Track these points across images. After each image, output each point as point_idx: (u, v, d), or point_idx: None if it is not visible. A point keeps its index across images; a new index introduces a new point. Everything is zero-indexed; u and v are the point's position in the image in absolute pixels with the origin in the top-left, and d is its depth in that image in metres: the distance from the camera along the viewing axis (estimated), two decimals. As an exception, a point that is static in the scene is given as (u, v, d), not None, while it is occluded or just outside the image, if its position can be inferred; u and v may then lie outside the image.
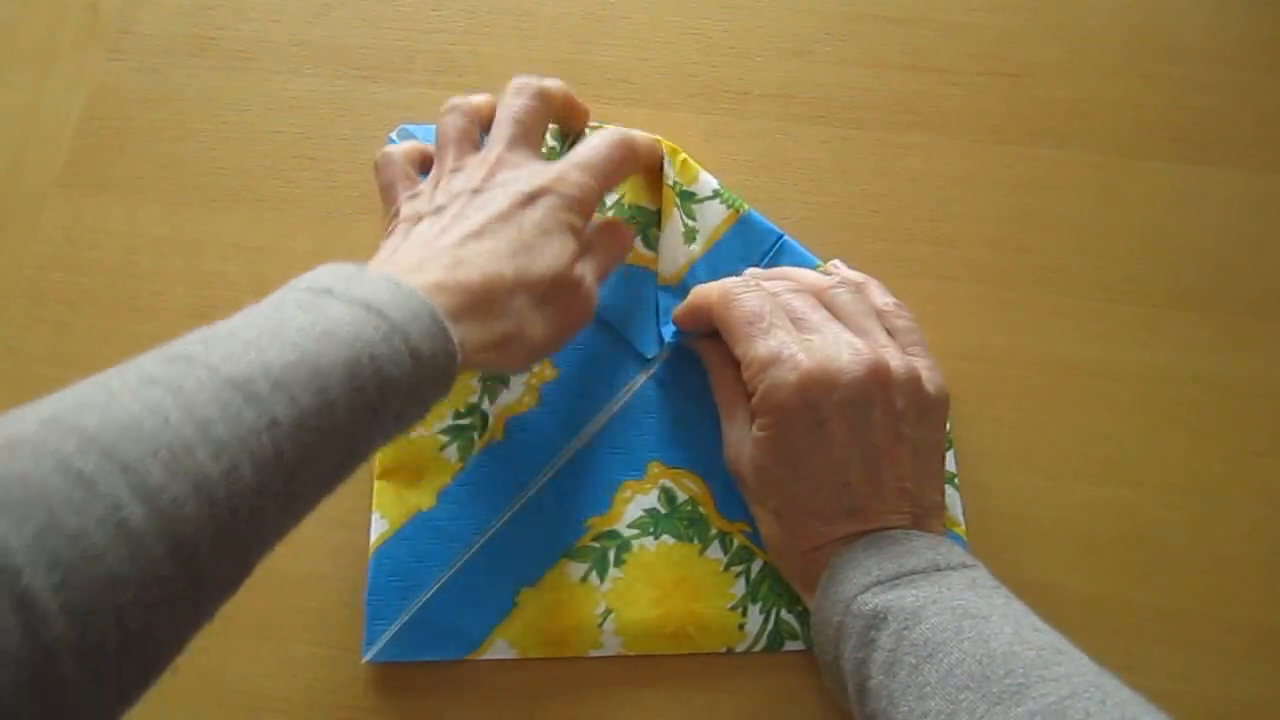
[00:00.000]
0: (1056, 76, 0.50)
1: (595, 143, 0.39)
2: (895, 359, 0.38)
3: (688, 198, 0.44)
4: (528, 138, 0.39)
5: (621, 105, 0.49)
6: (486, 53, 0.50)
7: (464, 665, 0.40)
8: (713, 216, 0.44)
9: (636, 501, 0.42)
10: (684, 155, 0.45)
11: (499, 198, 0.36)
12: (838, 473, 0.37)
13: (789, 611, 0.40)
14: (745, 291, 0.39)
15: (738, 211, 0.44)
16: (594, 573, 0.41)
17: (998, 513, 0.42)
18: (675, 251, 0.44)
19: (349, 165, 0.48)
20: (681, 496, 0.42)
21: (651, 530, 0.42)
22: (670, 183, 0.44)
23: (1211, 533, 0.43)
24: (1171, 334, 0.45)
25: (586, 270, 0.37)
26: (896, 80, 0.50)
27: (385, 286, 0.31)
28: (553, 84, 0.41)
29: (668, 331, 0.43)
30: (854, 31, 0.51)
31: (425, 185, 0.38)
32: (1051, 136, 0.49)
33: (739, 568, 0.41)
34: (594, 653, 0.40)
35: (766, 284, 0.40)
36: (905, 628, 0.33)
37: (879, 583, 0.34)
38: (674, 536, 0.41)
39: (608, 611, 0.40)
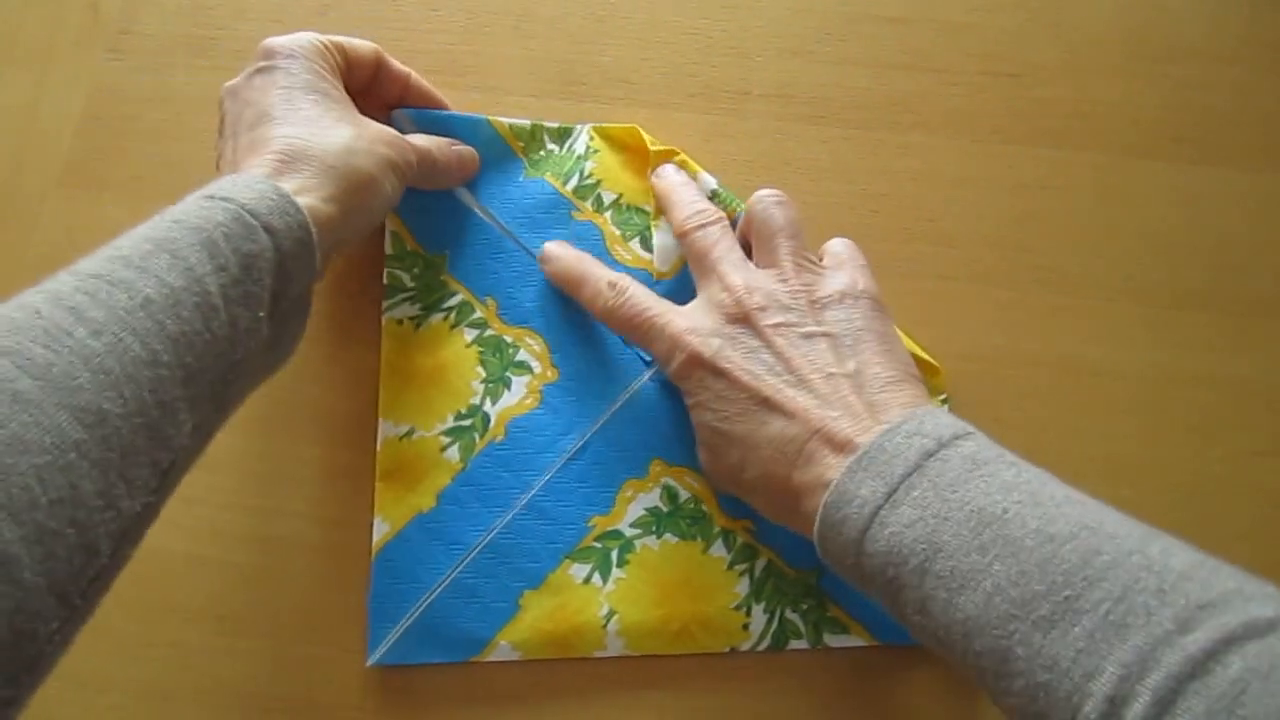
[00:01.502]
0: (1056, 76, 0.50)
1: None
2: (775, 283, 0.38)
3: None
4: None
5: (621, 105, 0.49)
6: (486, 53, 0.50)
7: (467, 666, 0.40)
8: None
9: (639, 500, 0.42)
10: (682, 155, 0.45)
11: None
12: (750, 392, 0.36)
13: (793, 611, 0.40)
14: (625, 295, 0.40)
15: (734, 211, 0.44)
16: (597, 573, 0.41)
17: (998, 513, 0.42)
18: (670, 242, 0.44)
19: (349, 165, 0.48)
20: (684, 494, 0.42)
21: (654, 529, 0.41)
22: None
23: (1212, 533, 0.42)
24: (1172, 334, 0.45)
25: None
26: (896, 80, 0.50)
27: (226, 180, 0.33)
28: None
29: None
30: (854, 31, 0.50)
31: None
32: (1051, 136, 0.49)
33: (743, 566, 0.41)
34: (598, 654, 0.40)
35: (686, 207, 0.42)
36: (926, 560, 0.30)
37: (878, 508, 0.31)
38: (677, 535, 0.41)
39: (611, 612, 0.40)
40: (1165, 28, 0.51)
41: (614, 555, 0.41)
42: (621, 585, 0.41)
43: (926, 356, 0.43)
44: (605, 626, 0.40)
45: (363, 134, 0.38)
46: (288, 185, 0.34)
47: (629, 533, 0.41)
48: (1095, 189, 0.48)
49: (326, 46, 0.41)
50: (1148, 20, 0.51)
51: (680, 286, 0.43)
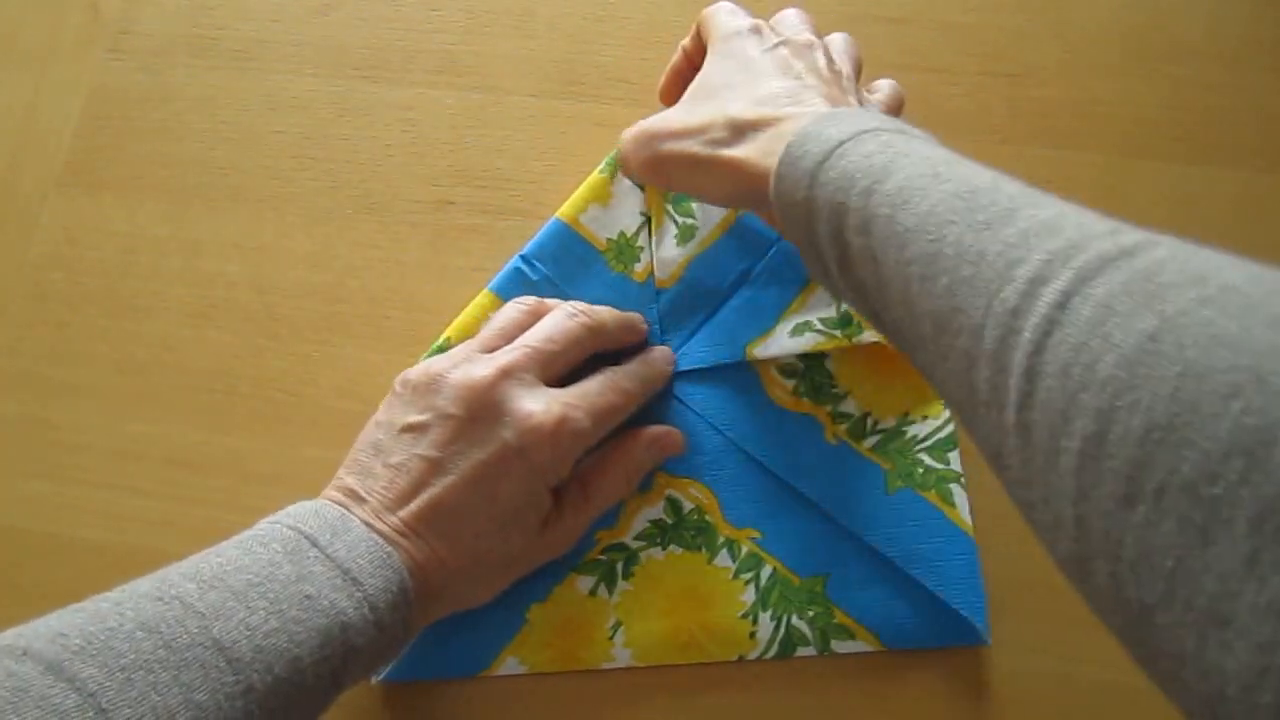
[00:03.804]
0: (1056, 76, 0.50)
1: (595, 385, 0.39)
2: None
3: (683, 197, 0.44)
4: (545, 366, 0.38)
5: (621, 105, 0.49)
6: (486, 53, 0.50)
7: (474, 681, 0.40)
8: (711, 216, 0.44)
9: (643, 513, 0.42)
10: None
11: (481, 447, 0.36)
12: (755, 69, 0.38)
13: (800, 618, 0.40)
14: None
15: (734, 212, 0.44)
16: (603, 586, 0.41)
17: (998, 513, 0.42)
18: (670, 252, 0.44)
19: (349, 165, 0.48)
20: (688, 506, 0.42)
21: (659, 541, 0.41)
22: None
23: (1212, 533, 0.42)
24: (1172, 334, 0.45)
25: (565, 517, 0.39)
26: (896, 80, 0.49)
27: (365, 549, 0.33)
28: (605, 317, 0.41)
29: (684, 359, 0.43)
30: (854, 31, 0.50)
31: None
32: (1051, 136, 0.49)
33: (748, 575, 0.41)
34: (605, 666, 0.40)
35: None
36: (876, 182, 0.30)
37: (842, 142, 0.32)
38: (681, 546, 0.41)
39: (618, 624, 0.40)
40: (1165, 28, 0.51)
41: (619, 567, 0.41)
42: (627, 597, 0.40)
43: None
44: (612, 638, 0.40)
45: (524, 565, 0.39)
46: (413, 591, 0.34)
47: (634, 545, 0.41)
48: (1095, 189, 0.48)
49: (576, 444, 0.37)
50: (1148, 20, 0.51)
51: (681, 294, 0.43)
